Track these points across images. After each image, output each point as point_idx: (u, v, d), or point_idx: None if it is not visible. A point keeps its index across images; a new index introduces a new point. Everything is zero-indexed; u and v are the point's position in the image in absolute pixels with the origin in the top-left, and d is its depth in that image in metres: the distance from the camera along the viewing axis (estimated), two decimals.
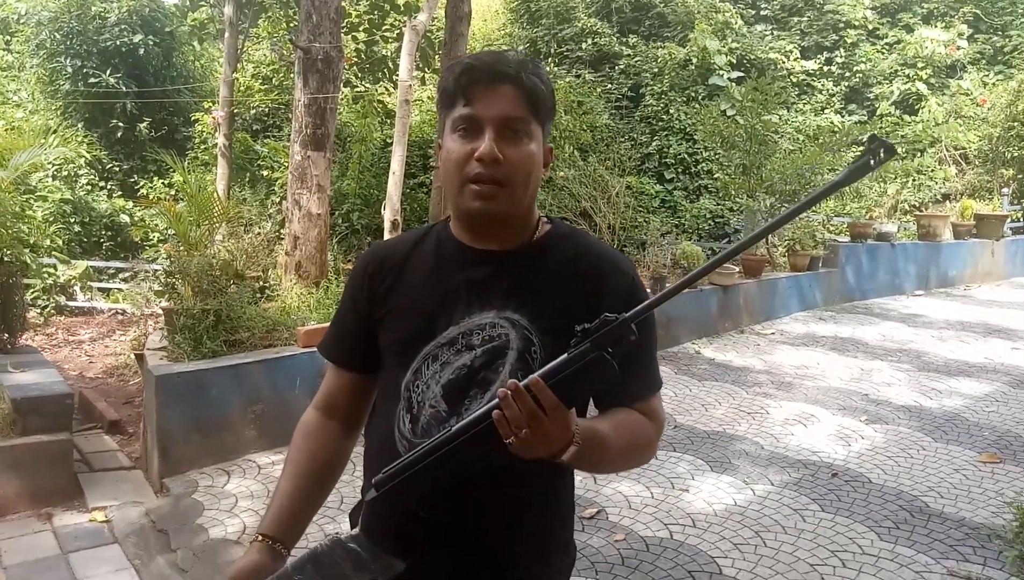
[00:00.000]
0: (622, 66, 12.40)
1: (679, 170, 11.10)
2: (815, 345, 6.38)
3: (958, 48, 12.69)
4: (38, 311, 8.59)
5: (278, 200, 9.48)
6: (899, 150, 11.90)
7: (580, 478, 3.47)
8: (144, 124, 11.87)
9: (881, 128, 11.82)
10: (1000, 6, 13.25)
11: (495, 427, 0.97)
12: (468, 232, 1.20)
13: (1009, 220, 10.22)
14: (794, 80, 12.73)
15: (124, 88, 11.64)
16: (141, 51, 11.74)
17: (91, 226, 10.84)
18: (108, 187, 11.86)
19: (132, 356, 5.99)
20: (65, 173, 11.04)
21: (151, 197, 11.00)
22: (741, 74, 11.63)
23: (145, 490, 3.78)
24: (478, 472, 1.03)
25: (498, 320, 1.16)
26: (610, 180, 8.29)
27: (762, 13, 14.14)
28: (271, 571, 1.12)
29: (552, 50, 12.75)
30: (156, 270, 6.91)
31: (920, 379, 5.43)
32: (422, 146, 10.36)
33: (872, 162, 0.89)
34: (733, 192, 8.70)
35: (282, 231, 7.11)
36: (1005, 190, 10.62)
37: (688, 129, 11.05)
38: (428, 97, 11.79)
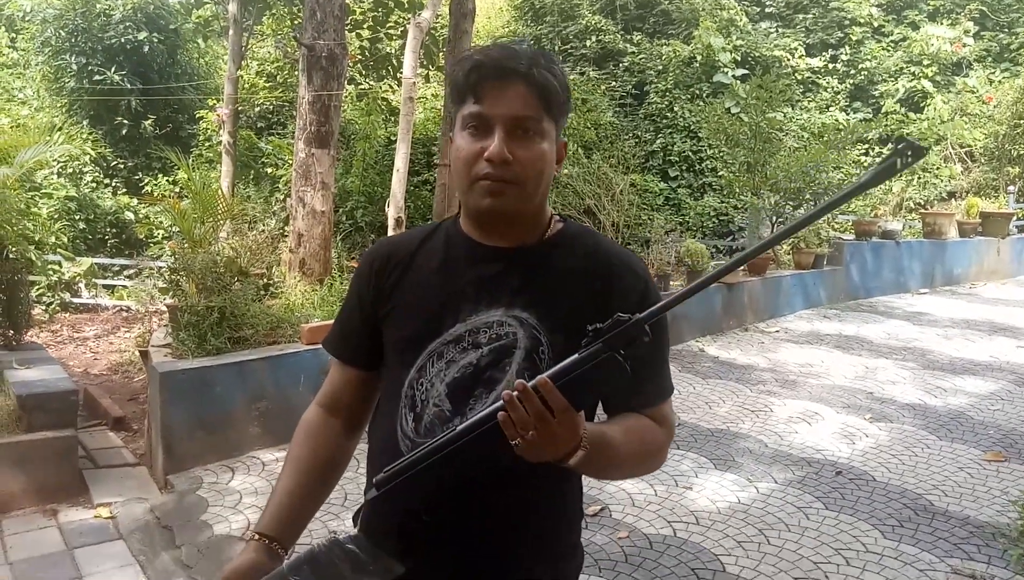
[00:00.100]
0: (626, 63, 12.38)
1: (683, 168, 11.08)
2: (819, 343, 6.37)
3: (964, 45, 12.63)
4: (43, 308, 8.62)
5: (282, 197, 9.50)
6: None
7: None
8: (149, 121, 11.89)
9: (886, 126, 11.77)
10: (1007, 3, 13.19)
11: (501, 428, 0.95)
12: (477, 228, 1.18)
13: (1015, 218, 10.17)
14: (799, 77, 12.69)
15: (129, 85, 11.65)
16: (146, 48, 11.75)
17: (96, 223, 10.86)
18: (113, 184, 11.88)
19: (136, 353, 6.02)
20: (70, 170, 11.06)
21: (156, 194, 11.01)
22: (746, 71, 11.60)
23: (150, 486, 3.79)
24: (482, 472, 1.01)
25: (506, 318, 1.14)
26: (614, 178, 8.28)
27: (767, 10, 14.10)
28: (267, 571, 1.10)
29: (556, 47, 12.72)
30: (160, 267, 6.93)
31: (925, 377, 5.41)
32: (426, 143, 10.37)
33: (899, 164, 0.86)
34: (737, 190, 8.67)
35: (286, 228, 7.12)
36: (1011, 188, 10.58)
37: (692, 127, 11.02)
38: (432, 94, 11.79)
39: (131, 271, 9.39)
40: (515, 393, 0.94)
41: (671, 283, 6.34)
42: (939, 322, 7.15)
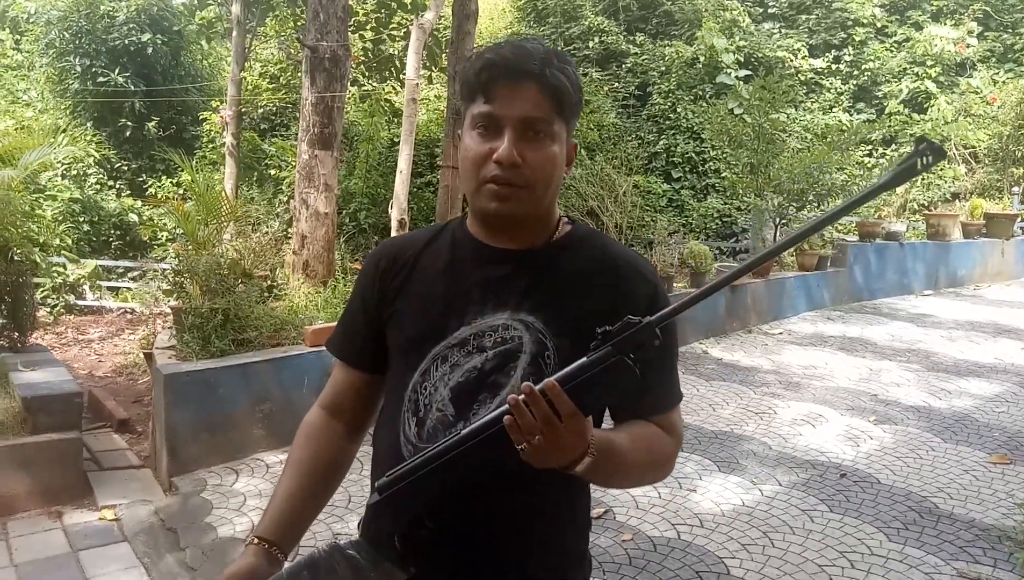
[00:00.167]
0: (629, 64, 12.38)
1: (686, 169, 11.07)
2: (823, 345, 6.36)
3: (968, 46, 12.61)
4: (48, 310, 8.65)
5: (285, 199, 9.51)
6: (910, 149, 11.96)
7: None
8: (152, 123, 11.92)
9: (890, 127, 11.76)
10: (1010, 3, 13.16)
11: (506, 432, 0.93)
12: (484, 230, 1.16)
13: (1019, 219, 10.14)
14: (802, 78, 12.67)
15: (132, 87, 11.69)
16: (149, 50, 11.78)
17: (100, 225, 10.90)
18: (117, 186, 11.92)
19: (141, 355, 6.03)
20: (74, 172, 11.11)
21: (159, 196, 11.05)
22: (749, 72, 11.59)
23: (154, 489, 3.80)
24: (487, 477, 0.99)
25: (512, 322, 1.11)
26: (617, 179, 8.28)
27: (770, 11, 14.09)
28: (266, 576, 1.08)
29: (559, 49, 12.74)
30: (164, 269, 6.93)
31: (929, 379, 5.40)
32: (429, 145, 10.38)
33: (919, 165, 0.85)
34: (741, 191, 8.66)
35: (289, 230, 7.13)
36: (1015, 189, 10.55)
37: (695, 128, 11.02)
38: (435, 96, 11.81)
39: (135, 273, 9.41)
40: (521, 396, 0.91)
41: (674, 285, 6.33)
42: (943, 324, 7.13)
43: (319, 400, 1.30)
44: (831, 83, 13.05)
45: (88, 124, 11.98)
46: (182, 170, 8.02)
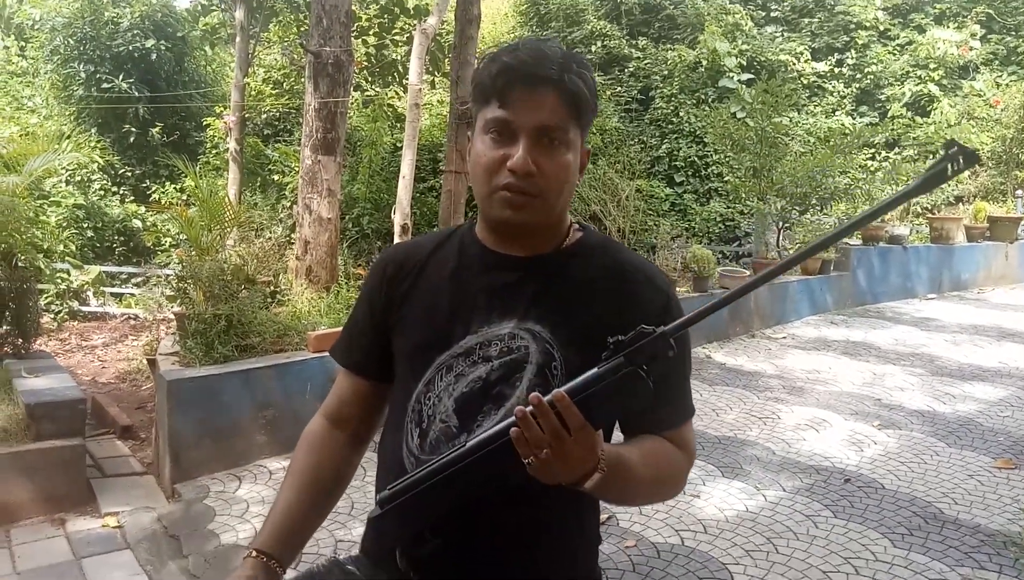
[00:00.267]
0: (631, 69, 12.39)
1: (689, 173, 11.07)
2: (827, 349, 6.34)
3: (971, 49, 12.59)
4: (51, 316, 8.67)
5: (289, 204, 9.54)
6: (913, 152, 11.84)
7: None
8: (156, 129, 11.96)
9: (893, 130, 11.74)
10: (1013, 6, 13.14)
11: (513, 446, 0.89)
12: (493, 236, 1.13)
13: (1023, 222, 10.12)
14: (805, 82, 12.67)
15: (136, 93, 11.74)
16: (153, 56, 11.83)
17: (104, 231, 10.94)
18: (121, 192, 11.96)
19: (144, 361, 6.04)
20: (78, 178, 11.14)
21: (163, 202, 11.08)
22: (751, 76, 11.59)
23: (157, 495, 3.80)
24: (492, 491, 0.96)
25: (518, 331, 1.08)
26: (620, 183, 8.28)
27: (772, 15, 14.09)
28: None
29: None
30: (168, 275, 6.96)
31: (933, 383, 5.38)
32: (432, 150, 10.40)
33: (950, 170, 0.81)
34: (743, 195, 8.66)
35: (293, 235, 7.15)
36: (1019, 192, 10.52)
37: (698, 132, 11.02)
38: (438, 101, 11.83)
39: (139, 279, 9.45)
40: (529, 408, 0.88)
41: (677, 289, 6.33)
42: (947, 328, 7.11)
43: (322, 409, 1.28)
44: (834, 86, 13.04)
45: (92, 130, 12.03)
46: (186, 176, 8.04)
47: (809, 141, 10.43)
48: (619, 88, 12.12)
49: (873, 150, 11.68)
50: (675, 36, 13.18)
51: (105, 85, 11.61)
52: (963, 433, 4.40)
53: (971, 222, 9.42)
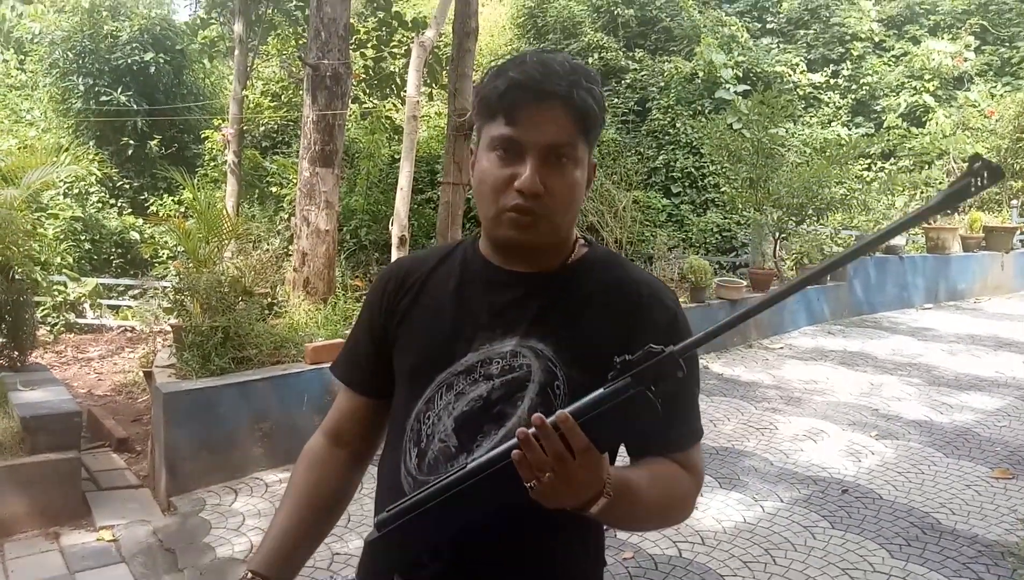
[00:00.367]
0: (628, 80, 12.45)
1: (686, 184, 11.11)
2: (824, 359, 6.35)
3: (965, 60, 12.68)
4: (48, 329, 8.66)
5: (287, 216, 9.54)
6: (908, 162, 11.87)
7: None
8: (154, 141, 11.99)
9: (888, 141, 11.80)
10: (1007, 17, 13.25)
11: (515, 468, 0.86)
12: (497, 252, 1.11)
13: (1018, 232, 10.15)
14: (801, 93, 12.74)
15: (135, 106, 11.77)
16: (152, 69, 11.87)
17: (101, 243, 10.94)
18: (118, 204, 11.97)
19: (141, 373, 6.03)
20: (76, 191, 11.15)
21: (161, 214, 11.09)
22: (747, 87, 11.65)
23: (152, 508, 3.78)
24: (493, 515, 0.92)
25: (520, 349, 1.05)
26: (617, 194, 8.30)
27: (768, 26, 14.19)
28: None
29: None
30: (165, 287, 6.96)
31: (930, 393, 5.38)
32: (430, 161, 10.42)
33: (973, 186, 0.78)
34: (740, 206, 8.68)
35: (290, 247, 7.15)
36: (1014, 202, 10.57)
37: (695, 143, 11.06)
38: (436, 113, 11.87)
39: (136, 291, 9.44)
40: (531, 430, 0.85)
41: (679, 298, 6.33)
42: (944, 337, 7.12)
43: (322, 426, 1.24)
44: (829, 97, 13.12)
45: (91, 143, 12.05)
46: (183, 188, 8.05)
47: (805, 152, 10.46)
48: (616, 100, 12.17)
49: (869, 160, 11.73)
50: (671, 48, 13.26)
51: (104, 98, 11.64)
52: (960, 443, 4.40)
53: (967, 232, 9.45)
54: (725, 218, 10.42)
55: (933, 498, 3.67)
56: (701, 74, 11.78)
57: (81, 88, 11.73)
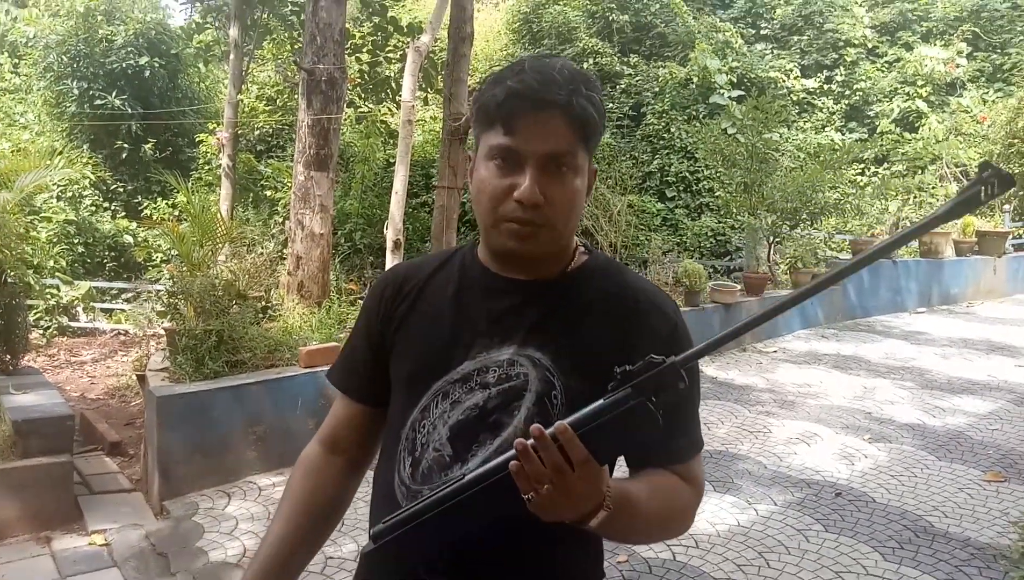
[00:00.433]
0: (623, 85, 12.49)
1: (680, 188, 11.14)
2: (817, 363, 6.36)
3: (957, 66, 12.76)
4: (40, 332, 8.62)
5: (281, 220, 9.54)
6: (901, 167, 11.94)
7: None
8: (149, 145, 11.97)
9: (882, 146, 11.87)
10: (999, 24, 13.34)
11: (513, 480, 0.85)
12: (496, 260, 1.09)
13: (1011, 237, 10.21)
14: (794, 98, 12.80)
15: (129, 110, 11.75)
16: (147, 73, 11.86)
17: (95, 247, 10.90)
18: (112, 208, 11.93)
19: (134, 377, 6.01)
20: (70, 194, 11.12)
21: (155, 218, 11.05)
22: (742, 93, 11.70)
23: (145, 512, 3.76)
24: (491, 528, 0.90)
25: (518, 357, 1.04)
26: (611, 198, 8.33)
27: (762, 32, 14.25)
28: None
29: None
30: (159, 291, 6.94)
31: (923, 397, 5.40)
32: (424, 166, 10.44)
33: (983, 194, 0.76)
34: (734, 210, 8.72)
35: (285, 251, 7.14)
36: (1006, 207, 10.62)
37: (689, 147, 11.10)
38: (431, 117, 11.89)
39: (129, 294, 9.41)
40: (530, 441, 0.84)
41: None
42: (937, 341, 7.14)
43: (318, 434, 1.22)
44: (823, 103, 13.18)
45: (85, 146, 12.02)
46: (178, 192, 8.03)
47: (799, 157, 10.50)
48: (611, 105, 12.20)
49: (862, 165, 11.78)
50: (666, 53, 13.30)
51: (98, 102, 11.62)
52: (953, 446, 4.42)
53: (960, 236, 9.49)
54: (719, 222, 10.45)
55: (926, 501, 3.68)
56: (695, 79, 11.83)
57: (75, 92, 11.70)
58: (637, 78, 12.48)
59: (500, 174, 1.01)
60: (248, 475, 3.99)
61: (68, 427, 3.86)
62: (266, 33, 11.35)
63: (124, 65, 11.71)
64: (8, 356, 4.70)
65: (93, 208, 11.49)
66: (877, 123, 12.68)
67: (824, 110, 13.10)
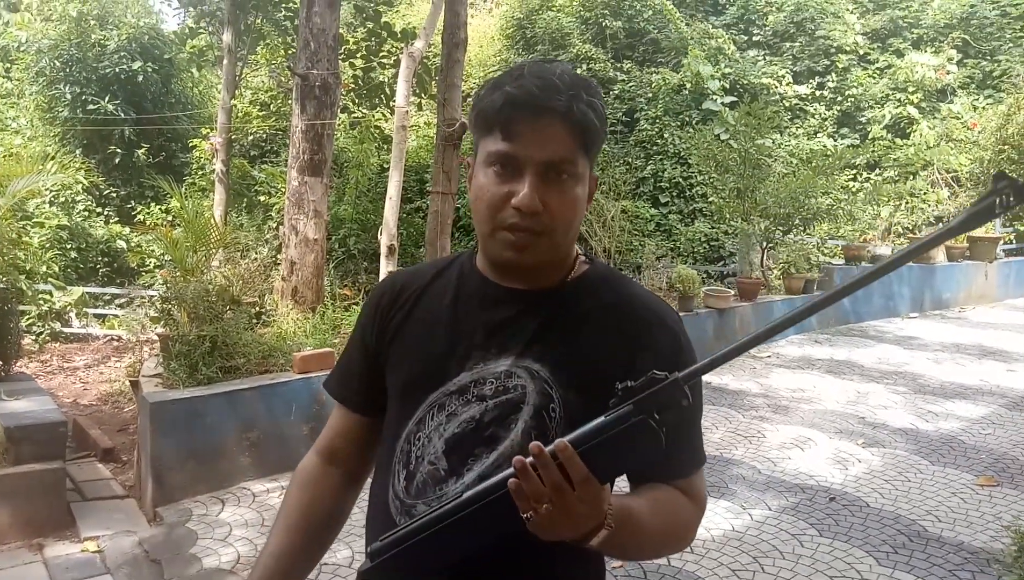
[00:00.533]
0: (617, 91, 12.53)
1: (674, 194, 11.18)
2: (811, 368, 6.38)
3: (948, 72, 12.86)
4: (33, 338, 8.57)
5: (275, 225, 9.53)
6: (893, 173, 12.01)
7: None
8: (142, 150, 11.94)
9: (873, 152, 11.93)
10: (988, 31, 13.45)
11: (512, 498, 0.83)
12: (494, 269, 1.07)
13: (1002, 242, 10.28)
14: (787, 104, 12.86)
15: (122, 115, 11.72)
16: (140, 78, 11.84)
17: (87, 252, 10.85)
18: (105, 213, 11.90)
19: (127, 383, 5.98)
20: (62, 199, 11.07)
21: (148, 223, 11.03)
22: (734, 99, 11.76)
23: (138, 519, 3.74)
24: (490, 546, 0.88)
25: (516, 369, 1.01)
26: (605, 204, 8.35)
27: (754, 39, 14.32)
28: None
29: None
30: (152, 296, 6.91)
31: (916, 402, 5.43)
32: (418, 171, 10.44)
33: (998, 205, 0.74)
34: (728, 215, 8.74)
35: (279, 256, 7.14)
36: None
37: (682, 153, 11.14)
38: (425, 123, 11.90)
39: (122, 300, 9.36)
40: (529, 459, 0.81)
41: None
42: (929, 346, 7.18)
43: (315, 445, 1.20)
44: (815, 109, 13.25)
45: (77, 151, 11.99)
46: (171, 197, 8.02)
47: (792, 162, 10.56)
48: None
49: (854, 171, 11.85)
50: (659, 60, 13.35)
51: (91, 107, 11.59)
52: (946, 451, 4.44)
53: (951, 242, 9.54)
54: (713, 228, 10.48)
55: (919, 505, 3.69)
56: (688, 85, 11.88)
57: (68, 97, 11.67)
58: (630, 84, 12.52)
59: (499, 181, 0.98)
60: (242, 481, 3.97)
61: (61, 433, 3.83)
62: (260, 38, 11.36)
63: (117, 70, 11.69)
64: (0, 362, 4.67)
65: (86, 213, 11.45)
66: (869, 129, 12.76)
67: (816, 116, 13.17)
